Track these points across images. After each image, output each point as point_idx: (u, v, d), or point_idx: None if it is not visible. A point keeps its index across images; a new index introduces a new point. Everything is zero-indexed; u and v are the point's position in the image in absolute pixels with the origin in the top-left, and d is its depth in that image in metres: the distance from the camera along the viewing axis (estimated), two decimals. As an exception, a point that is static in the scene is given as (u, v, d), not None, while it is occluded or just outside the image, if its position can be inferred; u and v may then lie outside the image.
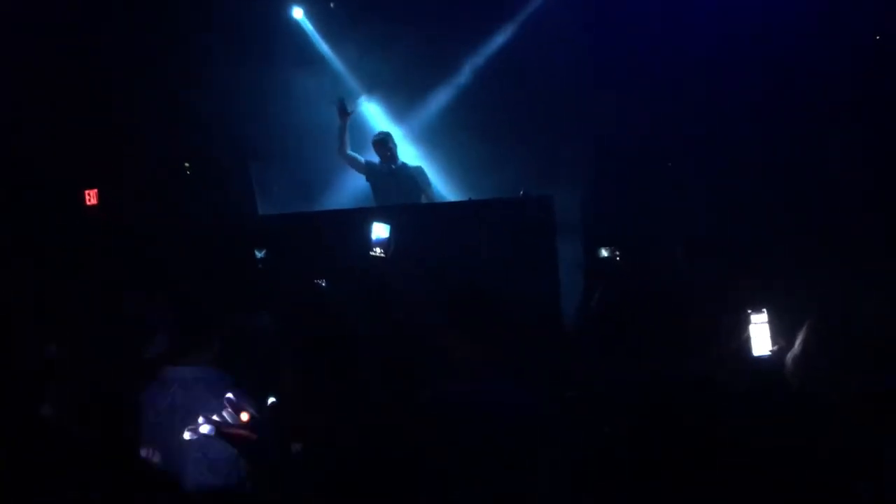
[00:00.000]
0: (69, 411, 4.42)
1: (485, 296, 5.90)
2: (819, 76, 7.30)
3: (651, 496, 3.40)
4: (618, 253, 6.77)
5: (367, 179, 7.90)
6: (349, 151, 7.85)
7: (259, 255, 6.33)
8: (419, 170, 7.88)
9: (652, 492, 3.42)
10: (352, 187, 8.55)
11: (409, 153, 8.45)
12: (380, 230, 5.98)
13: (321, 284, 6.11)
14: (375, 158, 7.86)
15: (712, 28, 7.51)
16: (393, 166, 7.74)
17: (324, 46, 8.86)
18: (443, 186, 8.63)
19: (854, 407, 3.37)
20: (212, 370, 3.90)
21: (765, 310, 4.47)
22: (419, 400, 4.06)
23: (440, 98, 8.80)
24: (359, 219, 6.54)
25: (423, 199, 7.77)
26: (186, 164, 8.16)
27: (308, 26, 8.87)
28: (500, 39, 8.64)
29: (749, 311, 4.48)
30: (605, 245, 6.79)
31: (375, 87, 8.83)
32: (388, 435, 3.72)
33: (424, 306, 5.98)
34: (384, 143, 7.73)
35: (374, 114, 8.96)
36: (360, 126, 8.62)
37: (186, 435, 3.04)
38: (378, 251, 5.93)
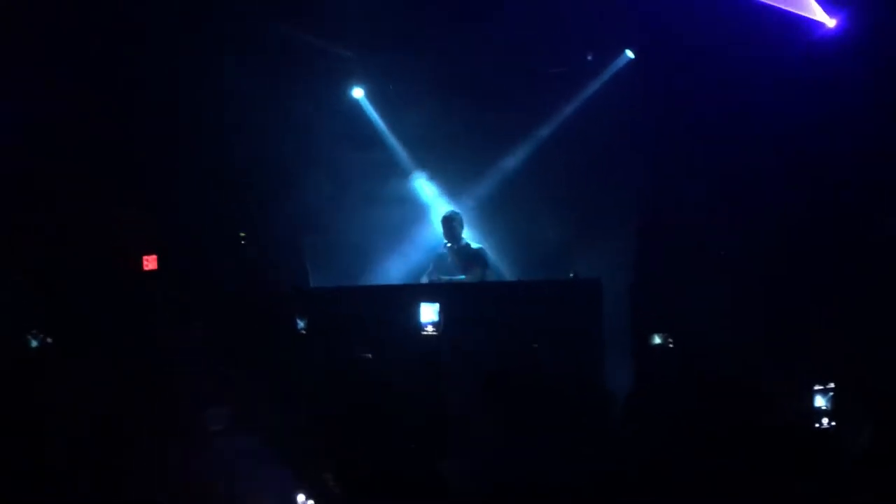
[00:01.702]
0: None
1: (530, 376, 5.93)
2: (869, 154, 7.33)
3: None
4: (671, 340, 6.71)
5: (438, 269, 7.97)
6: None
7: (301, 324, 6.45)
8: (480, 250, 7.98)
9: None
10: (403, 262, 8.61)
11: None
12: (429, 310, 6.14)
13: (367, 357, 6.21)
14: (425, 241, 7.99)
15: (760, 111, 7.64)
16: (455, 246, 7.86)
17: (381, 125, 9.05)
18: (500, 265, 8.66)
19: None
20: None
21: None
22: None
23: (493, 177, 8.91)
24: (410, 295, 6.62)
25: (480, 279, 7.79)
26: (242, 234, 8.33)
27: (367, 106, 9.08)
28: (552, 124, 8.81)
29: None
30: (657, 331, 6.75)
31: (429, 165, 8.98)
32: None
33: (469, 382, 6.00)
34: (448, 222, 7.94)
35: (427, 191, 9.07)
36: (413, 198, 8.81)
37: None
38: (430, 329, 6.21)
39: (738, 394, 5.23)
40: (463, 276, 7.63)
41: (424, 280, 7.93)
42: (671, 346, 6.73)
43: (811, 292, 7.07)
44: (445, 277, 7.51)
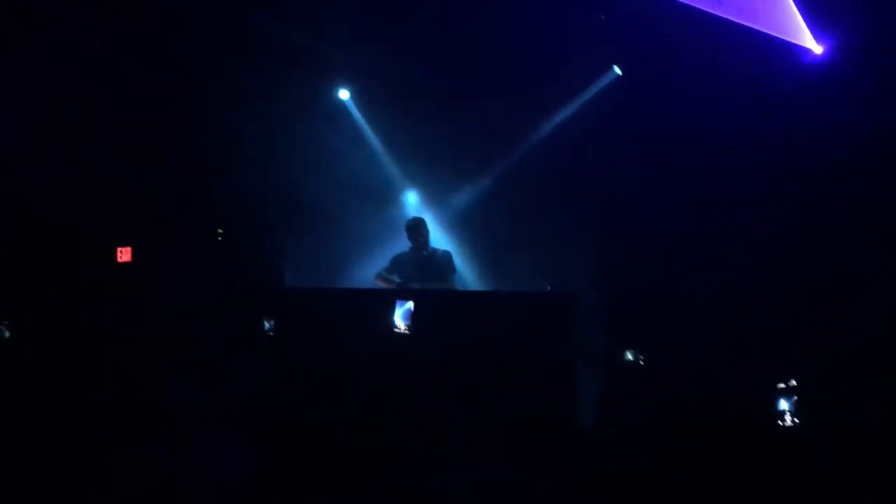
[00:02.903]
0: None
1: (500, 389, 5.93)
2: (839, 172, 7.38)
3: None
4: (642, 358, 6.75)
5: (400, 271, 7.87)
6: (383, 275, 7.80)
7: (267, 325, 6.40)
8: (447, 254, 7.89)
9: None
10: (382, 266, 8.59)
11: (438, 238, 8.51)
12: (403, 308, 6.18)
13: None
14: (404, 247, 7.88)
15: (743, 135, 7.70)
16: (424, 252, 7.76)
17: (366, 128, 9.04)
18: (469, 273, 8.65)
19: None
20: None
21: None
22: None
23: (474, 186, 8.93)
24: (384, 299, 6.58)
25: (446, 284, 7.73)
26: (219, 231, 8.28)
27: (353, 108, 9.06)
28: (536, 136, 8.84)
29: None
30: (629, 348, 6.78)
31: (411, 171, 8.96)
32: None
33: (443, 390, 6.00)
34: (416, 229, 7.78)
35: (408, 196, 9.07)
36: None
37: None
38: (402, 327, 6.11)
39: (706, 404, 5.28)
40: (435, 284, 7.54)
41: (389, 266, 7.75)
42: (642, 363, 6.77)
43: (782, 307, 7.15)
44: (416, 285, 7.45)
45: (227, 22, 7.97)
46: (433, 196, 9.00)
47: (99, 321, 7.08)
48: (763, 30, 7.80)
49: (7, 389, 6.10)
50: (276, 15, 8.11)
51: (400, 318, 6.19)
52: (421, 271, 7.64)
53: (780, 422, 5.29)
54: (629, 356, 6.75)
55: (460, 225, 8.86)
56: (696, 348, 6.67)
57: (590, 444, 5.90)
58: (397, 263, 7.77)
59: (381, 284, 7.63)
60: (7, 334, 6.81)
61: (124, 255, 8.00)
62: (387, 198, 8.96)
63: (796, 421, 5.10)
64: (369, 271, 8.16)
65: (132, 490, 5.10)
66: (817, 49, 7.77)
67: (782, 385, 5.33)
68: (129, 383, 6.34)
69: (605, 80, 8.71)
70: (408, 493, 5.22)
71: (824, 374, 5.59)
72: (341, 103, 9.07)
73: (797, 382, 5.33)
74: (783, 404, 5.32)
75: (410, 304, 6.18)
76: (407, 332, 6.10)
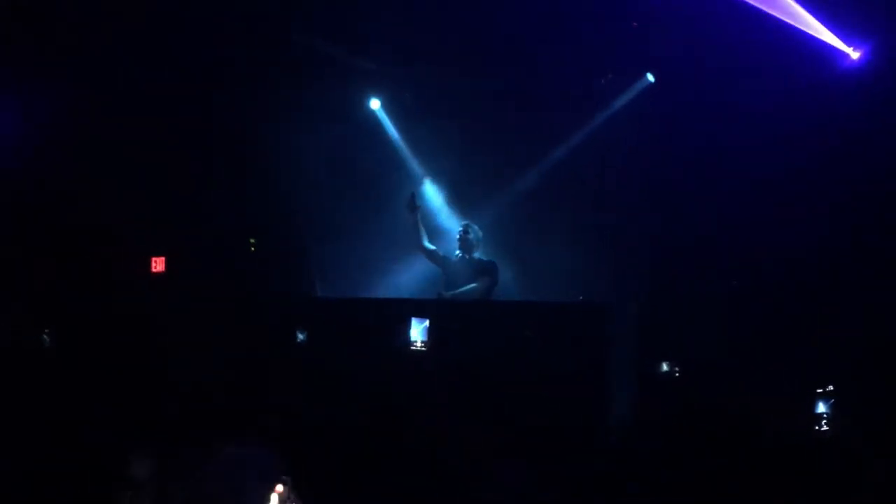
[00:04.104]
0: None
1: (530, 401, 5.88)
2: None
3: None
4: (677, 369, 6.70)
5: (443, 271, 7.93)
6: (426, 244, 7.96)
7: (301, 336, 6.42)
8: (491, 263, 7.90)
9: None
10: (415, 273, 8.58)
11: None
12: (419, 325, 6.16)
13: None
14: (452, 253, 7.94)
15: (779, 142, 7.65)
16: (467, 256, 7.82)
17: (397, 137, 9.06)
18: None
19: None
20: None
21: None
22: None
23: (505, 195, 8.88)
24: (407, 310, 6.57)
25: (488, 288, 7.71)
26: (252, 241, 8.33)
27: (383, 116, 9.08)
28: (565, 147, 8.82)
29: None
30: (665, 359, 6.72)
31: (443, 181, 8.97)
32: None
33: (466, 402, 5.97)
34: (464, 232, 7.90)
35: (439, 206, 9.06)
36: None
37: None
38: (419, 345, 6.12)
39: (739, 413, 5.23)
40: (465, 287, 7.57)
41: (441, 253, 7.93)
42: (677, 374, 6.71)
43: (818, 320, 7.07)
44: (448, 294, 7.47)
45: (262, 32, 8.04)
46: (463, 204, 8.99)
47: (130, 328, 7.13)
48: (799, 34, 7.73)
49: (49, 395, 6.19)
50: (310, 28, 8.17)
51: (417, 336, 6.16)
52: (460, 275, 7.73)
53: (817, 427, 5.26)
54: (664, 367, 6.70)
55: (491, 233, 8.83)
56: (730, 358, 6.61)
57: (621, 456, 5.84)
58: (445, 262, 7.93)
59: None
60: (48, 342, 6.92)
61: (158, 265, 8.05)
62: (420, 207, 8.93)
63: (828, 428, 5.07)
64: (401, 280, 8.22)
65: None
66: (854, 54, 7.67)
67: (820, 390, 5.31)
68: (160, 391, 6.39)
69: (638, 87, 8.66)
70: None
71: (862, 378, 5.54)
72: (372, 112, 9.09)
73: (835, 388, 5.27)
74: (821, 407, 5.28)
75: (427, 322, 6.15)
76: (424, 348, 6.09)
